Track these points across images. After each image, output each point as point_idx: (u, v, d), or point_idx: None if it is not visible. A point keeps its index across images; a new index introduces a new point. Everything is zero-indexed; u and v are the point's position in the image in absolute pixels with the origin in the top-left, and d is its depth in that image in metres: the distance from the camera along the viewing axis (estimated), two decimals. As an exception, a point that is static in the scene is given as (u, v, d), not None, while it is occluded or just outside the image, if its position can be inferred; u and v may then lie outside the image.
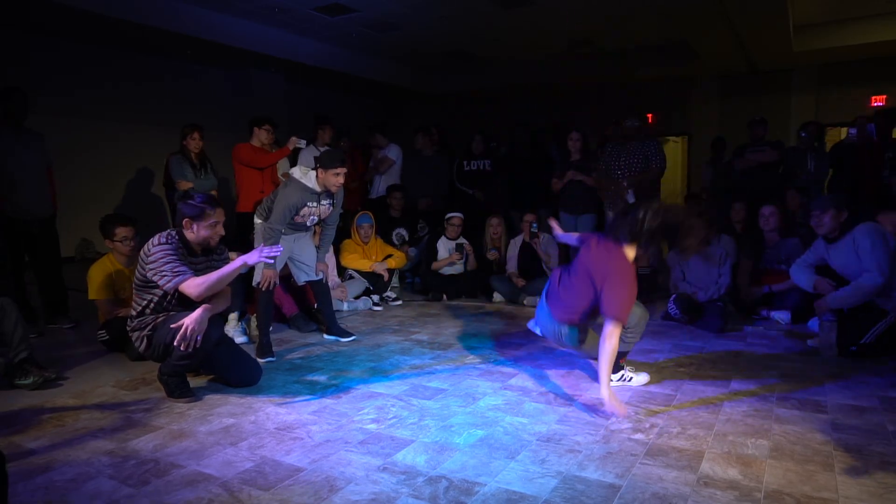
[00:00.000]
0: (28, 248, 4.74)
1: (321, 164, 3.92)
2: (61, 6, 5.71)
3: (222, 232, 3.23)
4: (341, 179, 3.95)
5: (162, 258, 3.05)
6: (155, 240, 3.12)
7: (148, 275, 3.08)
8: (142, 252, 3.13)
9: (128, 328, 3.26)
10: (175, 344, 2.96)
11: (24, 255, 4.75)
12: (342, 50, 8.75)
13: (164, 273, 3.04)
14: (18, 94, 4.61)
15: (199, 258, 3.24)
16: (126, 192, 7.75)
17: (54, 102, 6.72)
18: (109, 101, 7.49)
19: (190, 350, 2.97)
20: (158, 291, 3.13)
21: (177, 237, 3.16)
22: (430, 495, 2.09)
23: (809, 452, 2.38)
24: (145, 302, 3.18)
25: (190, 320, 2.95)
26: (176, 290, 3.07)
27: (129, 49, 7.56)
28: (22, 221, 4.63)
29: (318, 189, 3.96)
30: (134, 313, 3.22)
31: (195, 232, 3.17)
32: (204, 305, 3.05)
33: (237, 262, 3.11)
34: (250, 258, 3.11)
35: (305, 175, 3.96)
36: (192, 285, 3.04)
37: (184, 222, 3.16)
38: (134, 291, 3.21)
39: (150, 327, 3.15)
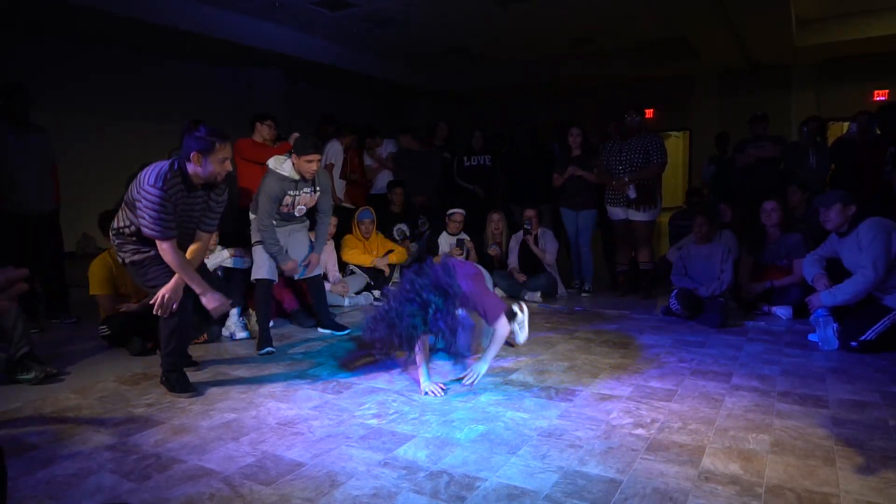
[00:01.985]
0: (29, 244, 4.73)
1: (295, 150, 3.92)
2: (62, 4, 5.70)
3: (229, 167, 3.09)
4: (314, 166, 3.93)
5: (152, 204, 2.89)
6: (152, 177, 2.90)
7: (137, 204, 2.95)
8: (138, 177, 2.97)
9: (111, 232, 3.14)
10: (154, 312, 3.01)
11: (25, 252, 4.75)
12: (342, 47, 8.73)
13: (145, 221, 2.91)
14: (20, 91, 4.60)
15: (198, 193, 3.09)
16: (127, 188, 7.76)
17: (55, 100, 6.71)
18: (110, 97, 7.49)
19: (169, 314, 3.02)
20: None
21: (178, 172, 2.97)
22: (431, 490, 2.09)
23: (810, 447, 2.38)
24: (128, 222, 3.06)
25: (165, 289, 2.99)
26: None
27: (131, 46, 7.55)
28: (23, 218, 4.63)
29: (294, 177, 3.95)
30: (115, 224, 3.10)
31: (203, 167, 2.98)
32: (178, 275, 3.02)
33: (197, 289, 3.05)
34: (207, 302, 3.09)
35: (281, 165, 3.95)
36: (164, 248, 2.96)
37: (191, 156, 2.98)
38: (123, 205, 3.09)
39: (130, 251, 3.08)
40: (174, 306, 3.01)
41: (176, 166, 2.98)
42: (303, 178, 3.97)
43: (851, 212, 3.78)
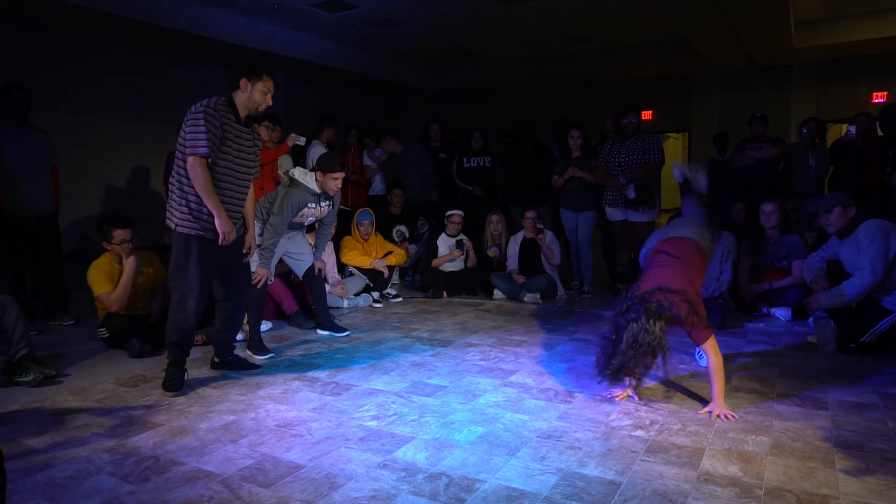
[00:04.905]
0: (28, 245, 4.74)
1: (320, 167, 3.98)
2: (62, 3, 5.71)
3: (270, 102, 3.14)
4: (339, 184, 4.03)
5: (196, 121, 2.91)
6: (201, 102, 2.98)
7: (182, 134, 2.96)
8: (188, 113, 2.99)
9: (171, 184, 3.08)
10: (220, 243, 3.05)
11: (24, 253, 4.75)
12: (342, 47, 8.74)
13: (185, 142, 2.92)
14: (21, 91, 4.61)
15: (246, 129, 3.14)
16: (126, 189, 7.75)
17: (54, 99, 6.72)
18: (110, 97, 7.49)
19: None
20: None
21: (226, 102, 3.04)
22: (430, 492, 2.09)
23: (810, 449, 2.38)
24: (175, 178, 3.05)
25: (220, 226, 3.01)
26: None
27: (130, 46, 7.56)
28: (22, 218, 4.63)
29: (317, 191, 4.01)
30: (174, 179, 3.06)
31: (248, 93, 3.06)
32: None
33: (214, 210, 2.98)
34: (219, 225, 3.01)
35: (305, 177, 4.01)
36: (192, 165, 2.92)
37: (240, 82, 3.04)
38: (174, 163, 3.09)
39: (176, 216, 3.04)
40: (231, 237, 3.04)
41: (224, 98, 3.06)
42: (324, 193, 4.03)
43: (851, 213, 3.77)
